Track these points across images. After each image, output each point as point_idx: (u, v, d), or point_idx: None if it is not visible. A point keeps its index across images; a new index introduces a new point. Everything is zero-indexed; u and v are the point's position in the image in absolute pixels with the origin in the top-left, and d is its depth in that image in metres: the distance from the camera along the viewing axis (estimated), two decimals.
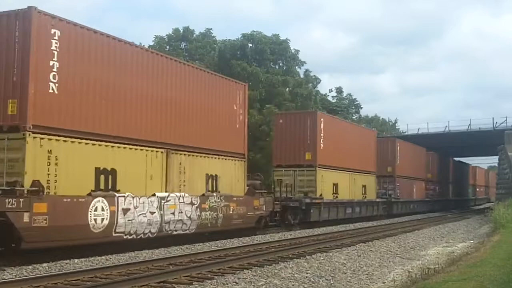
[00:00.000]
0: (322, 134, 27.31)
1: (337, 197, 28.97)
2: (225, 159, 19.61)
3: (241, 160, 20.63)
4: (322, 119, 27.83)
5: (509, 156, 41.21)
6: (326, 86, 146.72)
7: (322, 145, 27.27)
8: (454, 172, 57.02)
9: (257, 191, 21.70)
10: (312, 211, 25.95)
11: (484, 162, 79.68)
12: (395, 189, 36.75)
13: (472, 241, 20.91)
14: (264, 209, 21.62)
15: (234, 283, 10.54)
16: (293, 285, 10.89)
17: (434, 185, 48.75)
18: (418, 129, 54.77)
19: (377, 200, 34.93)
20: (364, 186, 33.15)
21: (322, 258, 14.41)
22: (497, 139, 44.13)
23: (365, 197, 33.39)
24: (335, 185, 28.95)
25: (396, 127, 76.05)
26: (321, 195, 26.70)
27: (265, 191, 23.08)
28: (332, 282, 11.49)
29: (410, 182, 41.42)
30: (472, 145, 54.08)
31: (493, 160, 59.34)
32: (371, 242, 18.87)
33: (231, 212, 19.34)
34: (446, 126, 52.61)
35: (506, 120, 49.25)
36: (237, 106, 20.44)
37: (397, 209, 37.59)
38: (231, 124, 20.08)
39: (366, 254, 15.93)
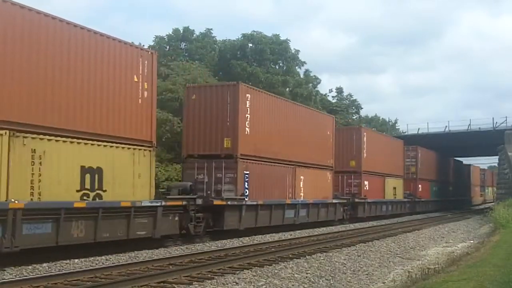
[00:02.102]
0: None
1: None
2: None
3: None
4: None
5: (509, 156, 41.20)
6: (326, 86, 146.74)
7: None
8: (444, 170, 53.12)
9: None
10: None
11: (484, 162, 79.70)
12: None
13: (472, 241, 20.90)
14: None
15: (234, 283, 10.54)
16: (293, 285, 10.89)
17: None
18: (418, 129, 54.82)
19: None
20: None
21: (322, 258, 14.41)
22: (497, 139, 44.12)
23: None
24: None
25: (396, 127, 75.98)
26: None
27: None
28: (332, 282, 11.49)
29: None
30: (472, 145, 54.06)
31: (493, 160, 59.35)
32: (371, 242, 18.87)
33: None
34: (446, 126, 52.67)
35: (506, 120, 49.31)
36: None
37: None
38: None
39: (366, 254, 15.93)
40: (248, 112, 20.52)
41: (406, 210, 40.26)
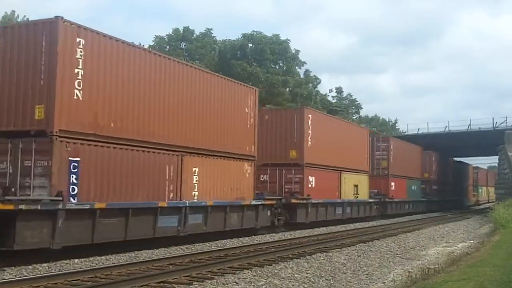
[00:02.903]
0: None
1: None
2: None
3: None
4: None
5: (509, 156, 41.22)
6: (326, 86, 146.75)
7: None
8: (427, 166, 47.25)
9: None
10: None
11: (484, 162, 79.39)
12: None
13: (472, 241, 20.91)
14: None
15: (234, 283, 10.54)
16: (293, 285, 10.89)
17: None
18: (418, 129, 54.85)
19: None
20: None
21: (322, 258, 14.41)
22: (497, 139, 44.14)
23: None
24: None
25: (396, 127, 76.12)
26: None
27: None
28: (332, 282, 11.49)
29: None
30: (472, 145, 54.09)
31: (493, 160, 59.34)
32: (371, 242, 18.87)
33: None
34: (446, 126, 52.70)
35: (506, 120, 49.37)
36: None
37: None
38: None
39: (366, 254, 15.93)
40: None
41: (373, 212, 33.07)
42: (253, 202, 20.29)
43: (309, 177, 25.04)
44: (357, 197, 30.51)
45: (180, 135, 16.63)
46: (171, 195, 16.14)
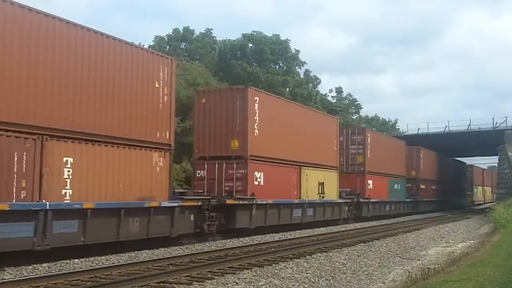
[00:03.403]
0: None
1: None
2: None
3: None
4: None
5: (509, 156, 41.23)
6: (326, 86, 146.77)
7: None
8: (414, 163, 43.12)
9: None
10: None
11: (484, 162, 79.34)
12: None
13: (472, 241, 20.91)
14: None
15: (234, 283, 10.54)
16: (293, 285, 10.89)
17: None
18: (418, 129, 54.88)
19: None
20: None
21: (322, 258, 14.41)
22: (497, 139, 44.16)
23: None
24: None
25: (396, 127, 76.07)
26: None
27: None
28: (332, 282, 11.49)
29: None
30: (472, 145, 54.12)
31: (493, 160, 59.33)
32: (371, 242, 18.86)
33: None
34: (446, 126, 52.75)
35: (506, 120, 49.44)
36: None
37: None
38: None
39: (366, 254, 15.93)
40: None
41: (343, 214, 28.26)
42: (165, 204, 15.75)
43: (255, 172, 20.43)
44: (322, 196, 25.76)
45: (40, 112, 12.30)
46: (23, 194, 11.83)
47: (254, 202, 19.82)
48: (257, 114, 20.68)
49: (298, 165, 23.77)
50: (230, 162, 20.08)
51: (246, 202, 19.76)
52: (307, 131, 24.74)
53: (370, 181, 32.67)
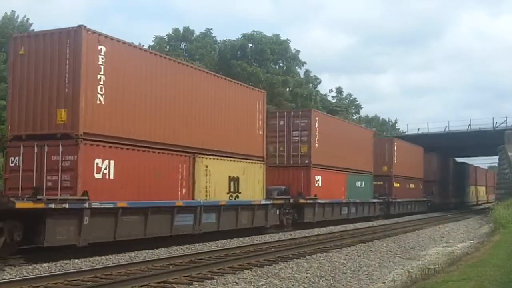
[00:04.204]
0: None
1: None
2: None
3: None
4: None
5: (509, 156, 41.24)
6: (326, 86, 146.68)
7: None
8: (386, 157, 36.96)
9: None
10: None
11: (484, 162, 79.26)
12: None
13: (472, 241, 20.92)
14: None
15: (234, 283, 10.54)
16: (293, 285, 10.89)
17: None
18: (418, 129, 54.84)
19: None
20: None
21: (322, 258, 14.41)
22: (497, 139, 44.17)
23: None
24: None
25: (396, 127, 76.10)
26: None
27: None
28: (332, 282, 11.49)
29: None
30: (472, 145, 54.11)
31: (493, 160, 59.31)
32: (371, 242, 18.87)
33: None
34: (446, 126, 52.67)
35: (506, 120, 49.39)
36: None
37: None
38: None
39: (366, 254, 15.94)
40: None
41: (272, 221, 21.66)
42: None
43: (97, 160, 13.57)
44: (236, 197, 19.54)
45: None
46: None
47: (85, 205, 12.96)
48: (102, 71, 13.84)
49: (190, 152, 17.12)
50: (54, 143, 13.32)
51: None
52: (201, 104, 17.80)
53: (318, 177, 25.70)
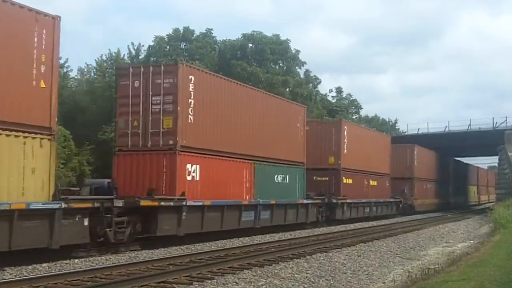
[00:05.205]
0: None
1: None
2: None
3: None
4: None
5: (509, 156, 41.23)
6: (326, 86, 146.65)
7: None
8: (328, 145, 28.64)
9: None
10: None
11: (484, 162, 79.16)
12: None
13: (472, 241, 20.91)
14: None
15: (234, 283, 10.54)
16: (293, 285, 10.89)
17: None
18: (418, 129, 54.83)
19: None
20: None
21: (322, 258, 14.41)
22: (497, 139, 44.16)
23: None
24: None
25: (396, 127, 76.04)
26: None
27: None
28: (332, 282, 11.49)
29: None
30: (472, 145, 54.10)
31: (493, 160, 59.29)
32: (371, 242, 18.88)
33: None
34: (446, 126, 52.68)
35: (506, 120, 49.41)
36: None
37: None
38: None
39: (366, 254, 15.93)
40: None
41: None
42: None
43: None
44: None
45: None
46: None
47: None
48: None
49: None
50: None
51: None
52: None
53: (192, 166, 17.08)
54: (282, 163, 23.01)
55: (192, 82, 17.39)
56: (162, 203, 15.77)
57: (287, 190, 23.25)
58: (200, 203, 17.41)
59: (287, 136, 23.59)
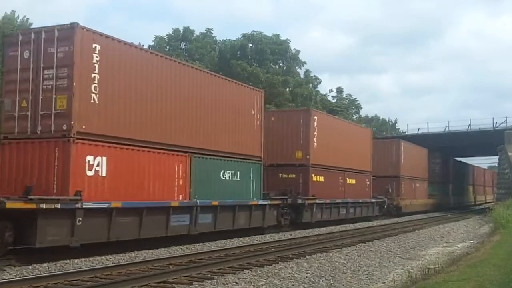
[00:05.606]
0: None
1: None
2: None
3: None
4: None
5: (509, 156, 41.23)
6: (326, 86, 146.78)
7: None
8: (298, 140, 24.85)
9: None
10: None
11: (484, 162, 79.19)
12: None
13: (472, 241, 20.91)
14: None
15: (234, 283, 10.54)
16: (293, 285, 10.89)
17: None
18: (418, 129, 54.85)
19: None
20: None
21: (322, 258, 14.41)
22: (497, 139, 44.16)
23: None
24: None
25: (396, 127, 76.15)
26: None
27: None
28: (332, 282, 11.48)
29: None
30: (472, 145, 54.12)
31: (493, 160, 59.28)
32: (371, 242, 18.87)
33: None
34: (446, 126, 52.68)
35: (506, 120, 49.41)
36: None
37: None
38: None
39: (366, 254, 15.93)
40: None
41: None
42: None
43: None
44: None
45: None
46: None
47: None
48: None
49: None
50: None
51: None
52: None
53: (96, 159, 13.59)
54: (231, 157, 19.11)
55: (97, 51, 13.62)
56: (43, 206, 11.81)
57: (238, 189, 19.39)
58: (105, 205, 13.52)
59: (238, 125, 19.64)
